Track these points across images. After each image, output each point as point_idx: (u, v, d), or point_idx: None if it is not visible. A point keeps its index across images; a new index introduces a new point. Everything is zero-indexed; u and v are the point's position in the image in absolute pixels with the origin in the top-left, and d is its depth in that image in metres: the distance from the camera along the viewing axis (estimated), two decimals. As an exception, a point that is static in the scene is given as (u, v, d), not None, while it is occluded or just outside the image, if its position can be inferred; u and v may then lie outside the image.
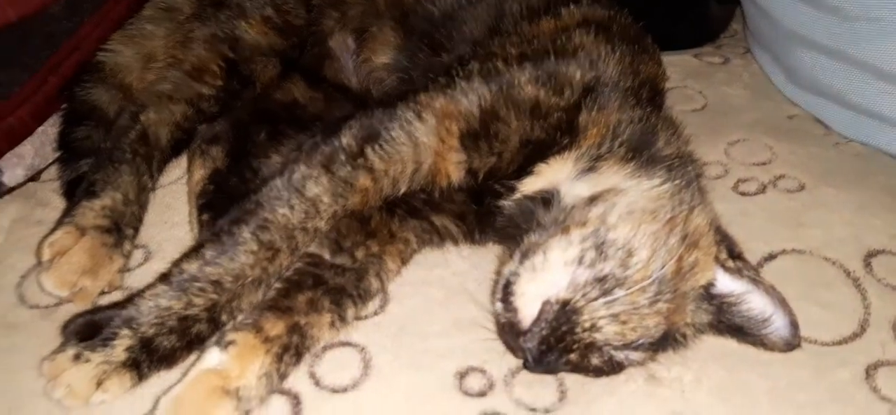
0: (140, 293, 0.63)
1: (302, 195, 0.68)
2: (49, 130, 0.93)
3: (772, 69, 1.08)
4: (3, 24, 0.89)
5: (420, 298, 0.72)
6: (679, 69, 1.11)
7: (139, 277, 0.72)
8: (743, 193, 0.86)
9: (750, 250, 0.72)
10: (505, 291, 0.63)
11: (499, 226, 0.74)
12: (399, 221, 0.76)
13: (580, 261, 0.62)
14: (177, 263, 0.64)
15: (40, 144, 0.90)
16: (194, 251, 0.65)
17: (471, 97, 0.74)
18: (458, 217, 0.78)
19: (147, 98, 0.89)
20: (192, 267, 0.63)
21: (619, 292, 0.60)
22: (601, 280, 0.61)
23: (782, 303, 0.64)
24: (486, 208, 0.75)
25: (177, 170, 0.89)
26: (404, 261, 0.76)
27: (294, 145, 0.92)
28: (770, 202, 0.85)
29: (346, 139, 0.72)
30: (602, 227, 0.64)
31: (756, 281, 0.65)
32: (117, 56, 0.96)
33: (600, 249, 0.62)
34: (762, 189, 0.87)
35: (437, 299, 0.72)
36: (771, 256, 0.76)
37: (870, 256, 0.76)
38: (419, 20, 0.93)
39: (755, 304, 0.65)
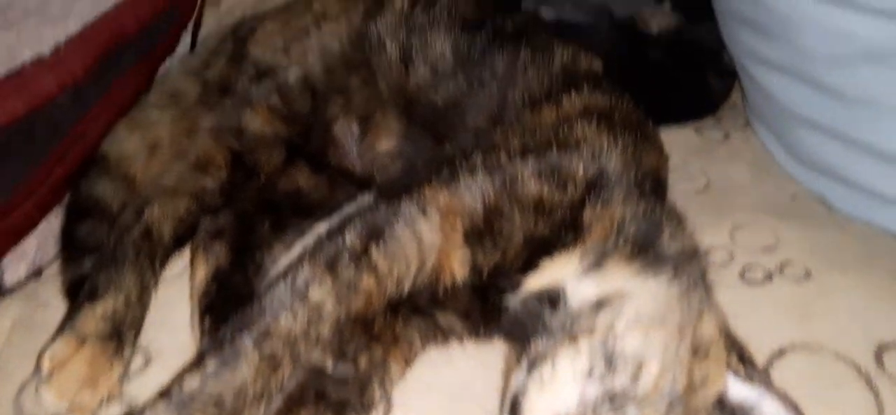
0: (140, 412, 0.62)
1: (305, 300, 0.67)
2: (53, 222, 0.92)
3: (772, 145, 1.09)
4: (11, 120, 0.89)
5: (425, 403, 0.71)
6: (680, 146, 1.11)
7: (138, 385, 0.71)
8: (749, 282, 0.86)
9: (758, 345, 0.71)
10: (513, 407, 0.62)
11: (505, 324, 0.73)
12: (403, 322, 0.76)
13: (590, 373, 0.61)
14: (178, 378, 0.64)
15: (43, 239, 0.90)
16: (195, 363, 0.64)
17: (474, 193, 0.74)
18: (462, 314, 0.77)
19: (151, 192, 0.89)
20: (193, 383, 0.62)
21: (630, 411, 0.59)
22: (612, 397, 0.60)
23: (795, 410, 0.63)
24: (491, 305, 0.75)
25: (179, 262, 0.88)
26: (408, 363, 0.75)
27: (297, 232, 0.92)
28: (777, 291, 0.84)
29: (350, 238, 0.71)
30: (610, 336, 0.63)
31: (767, 387, 0.64)
32: (122, 145, 0.96)
33: (610, 360, 0.61)
34: (769, 277, 0.86)
35: (442, 406, 0.71)
36: (780, 353, 0.75)
37: (881, 350, 0.75)
38: (422, 109, 0.94)
39: (767, 411, 0.64)
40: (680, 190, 0.97)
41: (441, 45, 0.97)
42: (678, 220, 0.78)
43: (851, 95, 0.90)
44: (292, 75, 0.98)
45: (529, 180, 0.74)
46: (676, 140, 1.12)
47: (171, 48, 1.32)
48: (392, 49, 0.97)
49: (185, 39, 1.45)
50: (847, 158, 0.95)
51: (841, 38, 0.89)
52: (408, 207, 0.73)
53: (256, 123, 0.94)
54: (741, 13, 1.00)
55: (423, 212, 0.73)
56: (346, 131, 0.98)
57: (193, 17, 1.43)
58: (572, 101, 0.86)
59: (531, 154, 0.77)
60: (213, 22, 1.44)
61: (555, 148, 0.77)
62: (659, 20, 1.25)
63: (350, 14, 1.05)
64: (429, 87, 0.94)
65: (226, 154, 0.91)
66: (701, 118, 1.20)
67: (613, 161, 0.77)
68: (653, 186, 0.80)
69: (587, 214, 0.73)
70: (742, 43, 1.05)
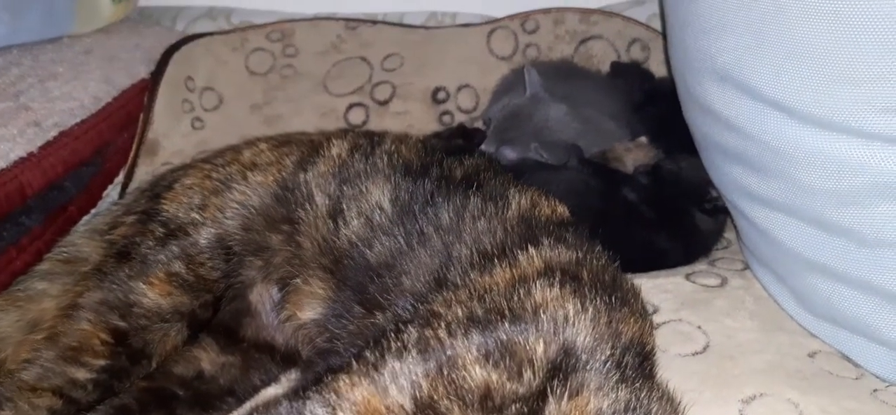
0: None
1: None
2: None
3: (779, 292, 0.92)
4: None
5: None
6: (670, 297, 0.94)
7: None
8: (772, 482, 0.66)
9: None
10: None
11: None
12: None
13: None
14: None
15: None
16: None
17: (402, 383, 0.57)
18: None
19: (9, 388, 0.71)
20: None
21: None
22: None
23: None
24: None
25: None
26: None
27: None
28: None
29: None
30: None
31: None
32: (-3, 324, 0.80)
33: None
34: (795, 474, 0.67)
35: None
36: None
37: None
38: (352, 269, 0.78)
39: None
40: (673, 356, 0.80)
41: (378, 194, 0.82)
42: (671, 403, 0.61)
43: (869, 237, 0.75)
44: (204, 236, 0.83)
45: (474, 365, 0.57)
46: (665, 291, 0.96)
47: (90, 205, 1.18)
48: (321, 201, 0.83)
49: (114, 194, 1.32)
50: (873, 310, 0.78)
51: (846, 170, 0.75)
52: (314, 406, 0.56)
53: (151, 295, 0.77)
54: (727, 146, 0.87)
55: (334, 413, 0.55)
56: (264, 298, 0.82)
57: (125, 169, 1.31)
58: (530, 258, 0.70)
59: (477, 327, 0.61)
60: (147, 174, 1.31)
61: (507, 319, 0.61)
62: (635, 155, 1.12)
63: (282, 163, 0.92)
64: (362, 244, 0.78)
65: (106, 336, 0.74)
66: (691, 262, 1.04)
67: (582, 334, 0.60)
68: (636, 360, 0.63)
69: (551, 408, 0.55)
70: (731, 179, 0.91)
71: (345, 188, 0.84)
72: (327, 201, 0.82)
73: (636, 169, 1.08)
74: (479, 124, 1.41)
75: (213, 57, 1.55)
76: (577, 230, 0.80)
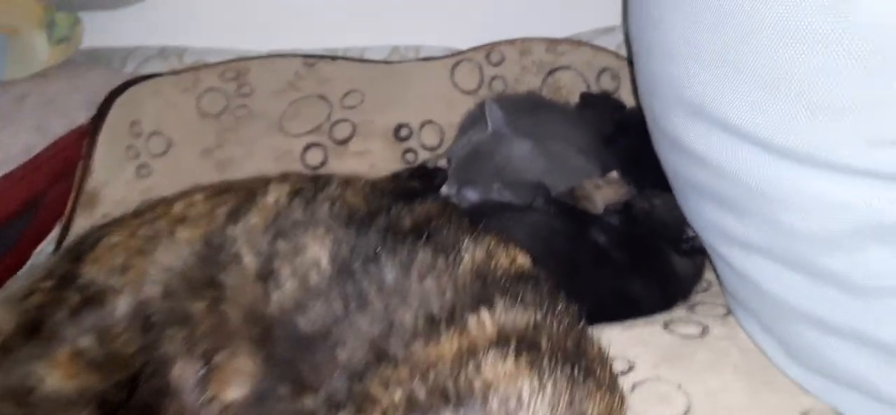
0: None
1: None
2: None
3: (765, 342, 0.83)
4: None
5: None
6: (647, 351, 0.86)
7: None
8: None
9: None
10: None
11: None
12: None
13: None
14: None
15: None
16: None
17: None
18: None
19: None
20: None
21: None
22: None
23: None
24: None
25: None
26: None
27: None
28: None
29: None
30: None
31: None
32: None
33: None
34: None
35: None
36: None
37: None
38: (283, 340, 0.68)
39: None
40: (651, 420, 0.71)
41: (316, 250, 0.73)
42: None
43: (860, 284, 0.67)
44: (122, 305, 0.74)
45: (411, 464, 0.48)
46: (641, 343, 0.87)
47: (19, 264, 1.08)
48: (250, 261, 0.73)
49: (49, 250, 1.22)
50: (869, 363, 0.70)
51: (830, 210, 0.67)
52: None
53: (55, 377, 0.68)
54: (700, 184, 0.79)
55: None
56: (186, 376, 0.72)
57: (61, 222, 1.21)
58: (482, 324, 0.62)
59: (417, 413, 0.52)
60: (85, 228, 1.21)
61: (452, 403, 0.52)
62: (605, 193, 1.04)
63: (213, 216, 0.83)
64: (294, 310, 0.69)
65: (-3, 430, 0.64)
66: (668, 308, 0.95)
67: (539, 420, 0.52)
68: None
69: None
70: (707, 219, 0.83)
71: (279, 243, 0.75)
72: (257, 261, 0.73)
73: (606, 208, 1.00)
74: (443, 162, 1.33)
75: (161, 99, 1.46)
76: (539, 284, 0.71)
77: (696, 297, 0.99)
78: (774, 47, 0.65)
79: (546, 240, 0.90)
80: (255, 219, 0.78)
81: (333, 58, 1.53)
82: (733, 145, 0.72)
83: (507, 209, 0.98)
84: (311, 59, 1.53)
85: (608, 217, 0.98)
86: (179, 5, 1.63)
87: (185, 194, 0.95)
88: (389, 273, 0.69)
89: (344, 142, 1.41)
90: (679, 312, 0.96)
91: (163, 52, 1.63)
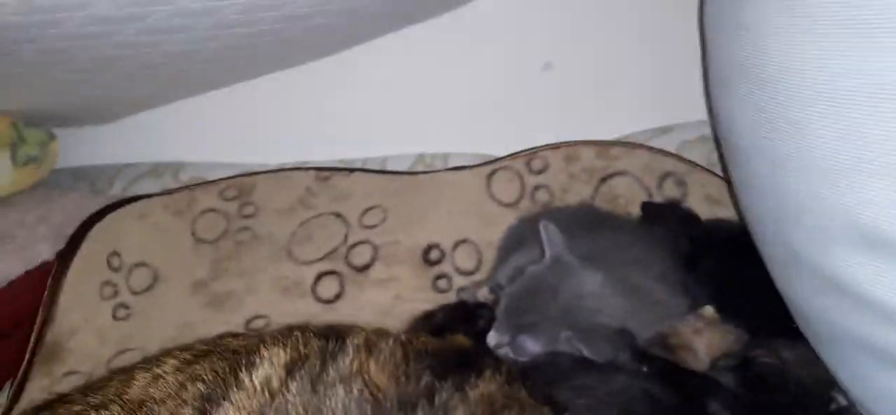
0: None
1: None
2: None
3: None
4: None
5: None
6: None
7: None
8: None
9: None
10: None
11: None
12: None
13: None
14: None
15: None
16: None
17: None
18: None
19: None
20: None
21: None
22: None
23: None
24: None
25: None
26: None
27: None
28: None
29: None
30: None
31: None
32: None
33: None
34: None
35: None
36: None
37: None
38: None
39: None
40: None
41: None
42: None
43: None
44: None
45: None
46: None
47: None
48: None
49: None
50: None
51: None
52: None
53: None
54: (884, 347, 0.54)
55: None
56: None
57: (13, 384, 0.97)
58: None
59: None
60: (42, 389, 0.98)
61: None
62: (708, 339, 0.79)
63: (181, 399, 0.60)
64: None
65: None
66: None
67: None
68: None
69: None
70: (881, 386, 0.57)
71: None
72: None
73: (715, 363, 0.75)
74: (483, 292, 1.09)
75: (149, 224, 1.26)
76: None
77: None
78: None
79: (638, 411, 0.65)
80: (231, 414, 0.55)
81: (351, 170, 1.33)
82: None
83: (584, 369, 0.73)
84: (325, 171, 1.33)
85: (720, 376, 0.73)
86: (176, 116, 1.45)
87: (152, 361, 0.73)
88: None
89: (364, 268, 1.18)
90: None
91: (156, 170, 1.44)
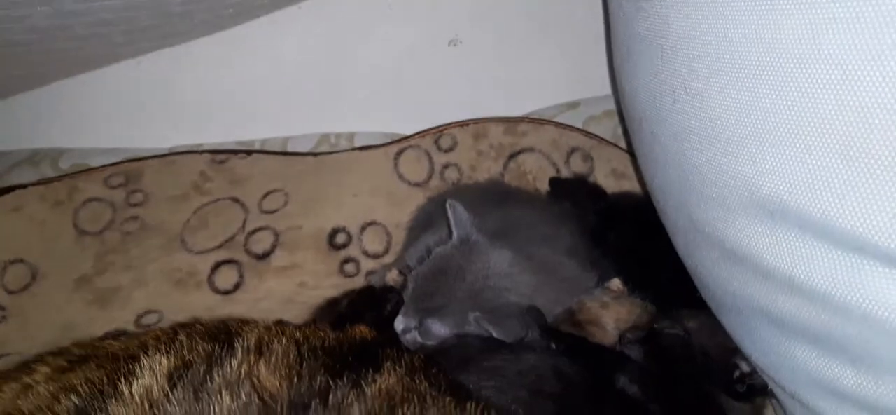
0: None
1: None
2: None
3: None
4: None
5: None
6: None
7: None
8: None
9: None
10: None
11: None
12: None
13: None
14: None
15: None
16: None
17: None
18: None
19: None
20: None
21: None
22: None
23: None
24: None
25: None
26: None
27: None
28: None
29: None
30: None
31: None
32: None
33: None
34: None
35: None
36: None
37: None
38: None
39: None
40: None
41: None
42: None
43: None
44: None
45: None
46: None
47: None
48: None
49: None
50: None
51: None
52: None
53: None
54: (785, 316, 0.55)
55: None
56: None
57: None
58: None
59: None
60: None
61: None
62: (616, 313, 0.79)
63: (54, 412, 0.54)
64: None
65: None
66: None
67: None
68: None
69: None
70: (797, 366, 0.58)
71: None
72: None
73: (623, 337, 0.74)
74: (393, 275, 1.05)
75: (24, 217, 1.15)
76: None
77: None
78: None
79: (558, 398, 0.64)
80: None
81: (249, 152, 1.26)
82: (851, 263, 0.48)
83: (492, 350, 0.71)
84: (221, 154, 1.25)
85: (628, 349, 0.72)
86: (55, 98, 1.32)
87: (22, 370, 0.65)
88: None
89: (264, 256, 1.12)
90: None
91: (34, 157, 1.31)
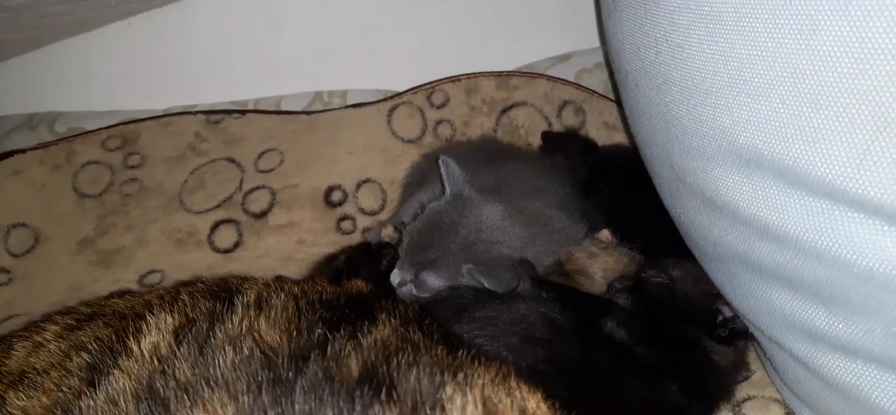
0: None
1: None
2: None
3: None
4: None
5: None
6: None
7: None
8: None
9: None
10: None
11: None
12: None
13: None
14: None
15: None
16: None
17: None
18: None
19: None
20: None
21: None
22: None
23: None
24: None
25: None
26: None
27: None
28: None
29: None
30: None
31: None
32: None
33: None
34: None
35: None
36: None
37: None
38: None
39: None
40: None
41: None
42: None
43: None
44: None
45: None
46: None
47: None
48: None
49: None
50: None
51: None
52: None
53: None
54: (761, 261, 0.57)
55: None
56: None
57: None
58: None
59: None
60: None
61: None
62: (604, 263, 0.81)
63: (66, 371, 0.57)
64: None
65: None
66: (711, 413, 0.72)
67: None
68: None
69: None
70: (772, 309, 0.61)
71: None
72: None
73: (611, 286, 0.77)
74: (388, 231, 1.07)
75: (24, 182, 1.17)
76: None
77: (739, 391, 0.76)
78: (884, 72, 0.44)
79: (545, 345, 0.66)
80: (122, 381, 0.51)
81: (243, 112, 1.27)
82: (822, 210, 0.50)
83: (485, 301, 0.73)
84: (216, 114, 1.26)
85: (616, 298, 0.75)
86: (49, 61, 1.32)
87: (32, 329, 0.68)
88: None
89: (262, 215, 1.14)
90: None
91: (30, 122, 1.32)
